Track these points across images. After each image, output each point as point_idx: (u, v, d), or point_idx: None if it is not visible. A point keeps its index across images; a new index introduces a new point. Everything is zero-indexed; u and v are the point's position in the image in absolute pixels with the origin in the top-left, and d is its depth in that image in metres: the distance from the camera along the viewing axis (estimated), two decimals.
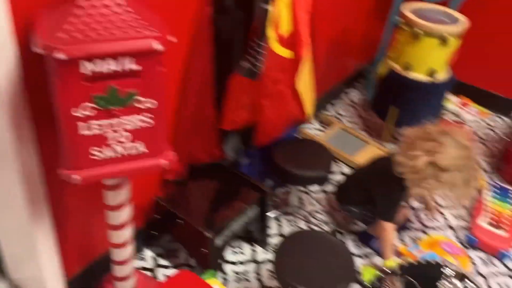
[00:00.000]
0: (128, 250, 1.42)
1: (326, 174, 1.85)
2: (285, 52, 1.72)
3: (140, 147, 1.10)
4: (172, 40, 1.00)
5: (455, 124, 2.72)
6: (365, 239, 2.05)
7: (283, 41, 1.70)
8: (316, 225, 2.09)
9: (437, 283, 1.59)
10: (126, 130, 1.06)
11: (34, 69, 1.12)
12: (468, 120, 2.93)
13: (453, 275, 1.60)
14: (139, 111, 1.05)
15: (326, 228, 2.07)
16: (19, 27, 1.06)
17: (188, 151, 1.79)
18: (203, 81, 1.66)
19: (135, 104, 1.04)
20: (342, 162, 2.45)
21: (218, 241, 1.66)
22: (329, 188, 2.28)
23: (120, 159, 1.10)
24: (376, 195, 1.81)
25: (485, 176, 2.49)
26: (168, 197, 1.76)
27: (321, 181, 1.88)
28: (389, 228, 1.79)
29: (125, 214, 1.33)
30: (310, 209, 2.17)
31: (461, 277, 1.60)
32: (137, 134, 1.08)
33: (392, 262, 1.77)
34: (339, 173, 2.38)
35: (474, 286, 1.59)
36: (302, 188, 2.23)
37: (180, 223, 1.68)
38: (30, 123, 1.18)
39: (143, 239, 1.85)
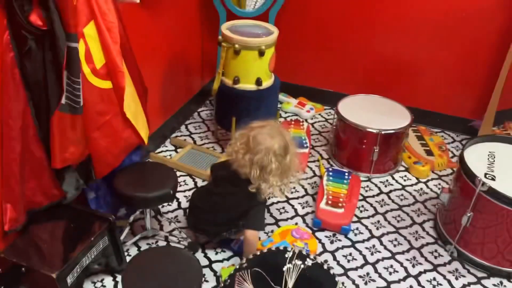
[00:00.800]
0: None
1: (170, 192, 1.92)
2: (103, 84, 1.79)
3: None
4: None
5: (296, 121, 2.98)
6: (225, 243, 2.17)
7: (99, 74, 1.76)
8: (176, 242, 2.16)
9: (282, 267, 1.75)
10: None
11: None
12: (307, 117, 3.24)
13: (294, 256, 1.77)
14: None
15: (185, 243, 2.16)
16: None
17: (25, 196, 1.77)
18: (23, 123, 1.65)
19: None
20: (198, 177, 2.58)
21: (69, 279, 1.66)
22: (185, 205, 2.38)
23: None
24: (245, 213, 1.97)
25: (324, 163, 2.78)
26: (9, 248, 1.71)
27: (167, 199, 1.96)
28: (257, 234, 1.97)
29: None
30: (169, 228, 2.24)
31: (301, 256, 1.78)
32: None
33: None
34: (194, 187, 2.50)
35: (313, 261, 1.77)
36: (158, 209, 2.30)
37: (27, 272, 1.64)
38: None
39: None
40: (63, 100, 1.67)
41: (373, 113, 2.71)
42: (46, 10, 1.55)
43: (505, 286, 2.07)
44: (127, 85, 1.85)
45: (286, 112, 3.29)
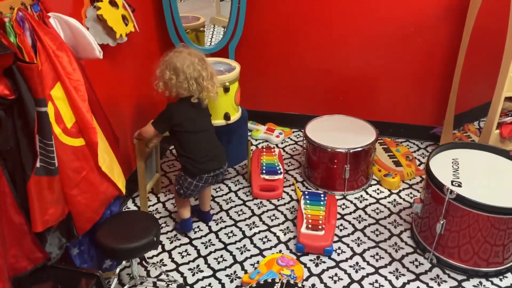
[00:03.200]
0: None
1: (154, 239, 1.94)
2: (76, 142, 1.81)
3: None
4: None
5: (267, 148, 3.05)
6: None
7: (70, 133, 1.78)
8: (165, 286, 2.17)
9: None
10: None
11: None
12: (277, 142, 3.32)
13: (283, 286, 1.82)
14: None
15: (174, 286, 2.17)
16: None
17: (8, 264, 1.75)
18: (0, 192, 1.65)
19: None
20: None
21: None
22: (169, 246, 2.40)
23: None
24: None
25: (299, 187, 2.85)
26: None
27: (151, 246, 1.97)
28: None
29: None
30: (156, 273, 2.25)
31: (289, 286, 1.83)
32: None
33: None
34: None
35: None
36: (143, 255, 2.31)
37: None
38: None
39: None
40: (38, 164, 1.69)
41: (340, 132, 2.81)
42: (12, 79, 1.58)
43: (484, 285, 2.17)
44: (99, 139, 1.88)
45: (256, 140, 3.36)
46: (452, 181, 2.19)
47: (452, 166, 2.31)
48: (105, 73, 2.39)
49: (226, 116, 2.55)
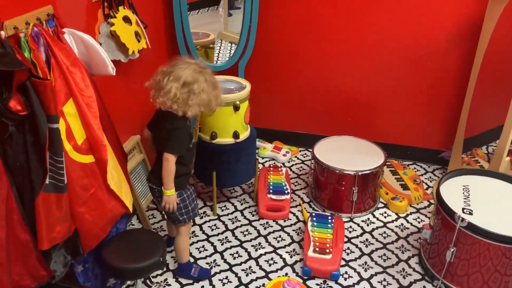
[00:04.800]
0: None
1: (160, 259, 1.91)
2: (86, 159, 1.79)
3: None
4: None
5: (274, 167, 3.03)
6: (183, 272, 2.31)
7: (80, 149, 1.76)
8: None
9: None
10: None
11: None
12: (284, 161, 3.29)
13: None
14: None
15: None
16: None
17: (12, 282, 1.72)
18: (7, 208, 1.63)
19: None
20: None
21: None
22: (173, 266, 2.37)
23: None
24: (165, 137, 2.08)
25: (305, 207, 2.82)
26: None
27: (157, 267, 1.94)
28: (169, 157, 2.04)
29: None
30: None
31: None
32: None
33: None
34: None
35: None
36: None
37: None
38: None
39: None
40: (47, 180, 1.66)
41: (348, 154, 2.79)
42: (25, 95, 1.56)
43: None
44: (109, 157, 1.86)
45: (263, 158, 3.34)
46: (463, 209, 2.16)
47: (463, 193, 2.28)
48: (117, 89, 2.38)
49: (235, 135, 2.54)
